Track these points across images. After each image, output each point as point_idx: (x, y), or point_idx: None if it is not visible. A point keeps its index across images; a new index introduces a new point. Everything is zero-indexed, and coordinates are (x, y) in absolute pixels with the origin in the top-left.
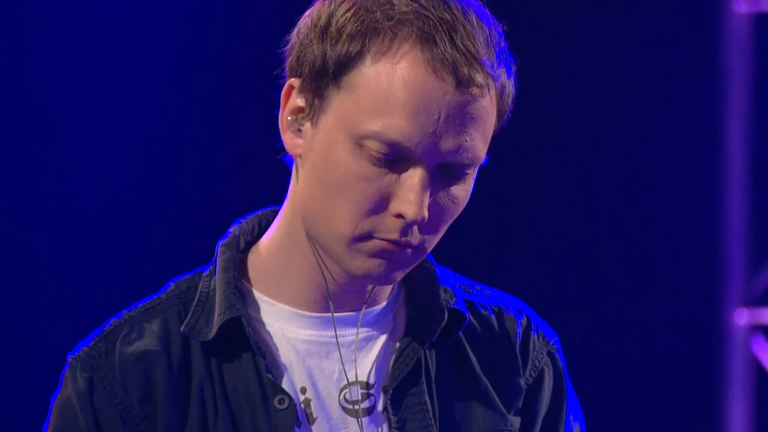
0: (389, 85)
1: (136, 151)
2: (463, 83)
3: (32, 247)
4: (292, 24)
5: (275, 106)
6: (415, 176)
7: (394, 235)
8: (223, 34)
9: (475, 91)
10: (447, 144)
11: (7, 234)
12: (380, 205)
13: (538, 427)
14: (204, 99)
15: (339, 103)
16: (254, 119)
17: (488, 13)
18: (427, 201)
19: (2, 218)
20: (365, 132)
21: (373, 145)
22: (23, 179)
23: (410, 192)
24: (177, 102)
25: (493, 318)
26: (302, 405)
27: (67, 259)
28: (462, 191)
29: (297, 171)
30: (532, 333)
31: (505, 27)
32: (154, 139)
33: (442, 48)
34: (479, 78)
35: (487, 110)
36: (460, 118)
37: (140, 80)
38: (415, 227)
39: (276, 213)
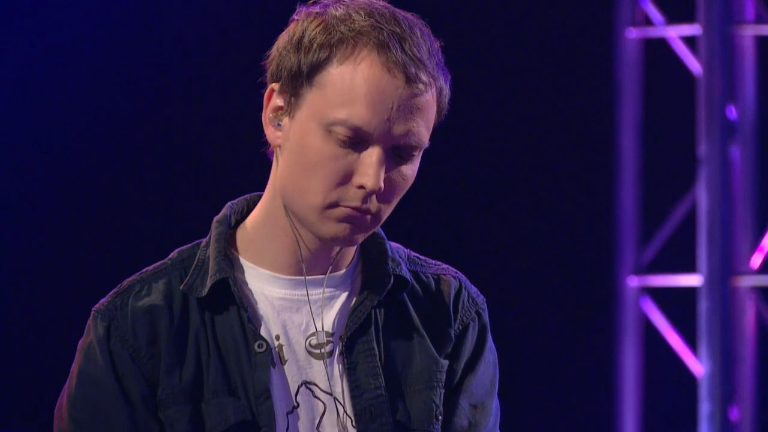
0: (352, 81)
1: (147, 147)
2: (411, 80)
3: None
4: (272, 40)
5: (258, 110)
6: (373, 155)
7: (357, 203)
8: (212, 50)
9: (420, 86)
10: (398, 129)
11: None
12: (345, 179)
13: (461, 367)
14: (201, 110)
15: (312, 99)
16: (244, 126)
17: (429, 31)
18: (382, 175)
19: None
20: (333, 120)
21: (340, 130)
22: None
23: (369, 167)
24: (179, 108)
25: (432, 283)
26: (276, 349)
27: (93, 234)
28: (409, 170)
29: (277, 159)
30: (463, 294)
31: (442, 43)
32: (159, 141)
33: (395, 52)
34: (424, 76)
35: (430, 104)
36: (409, 108)
37: (143, 85)
38: (373, 197)
39: (260, 197)
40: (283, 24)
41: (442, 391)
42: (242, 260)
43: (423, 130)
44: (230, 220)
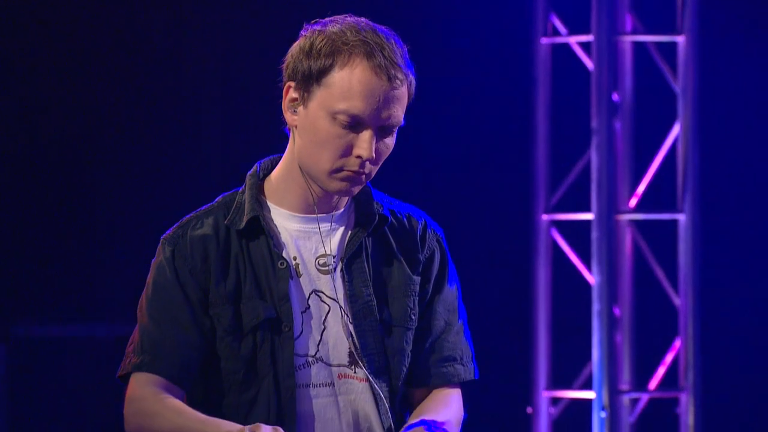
0: (350, 83)
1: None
2: (391, 79)
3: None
4: (285, 49)
5: (279, 98)
6: (366, 134)
7: (356, 168)
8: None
9: (397, 82)
10: (384, 114)
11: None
12: (347, 151)
13: (431, 284)
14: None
15: (320, 95)
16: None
17: (399, 39)
18: (374, 147)
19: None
20: (337, 110)
21: (342, 117)
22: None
23: (365, 143)
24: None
25: (405, 220)
26: (294, 267)
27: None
28: (390, 141)
29: (293, 135)
30: (428, 229)
31: (409, 47)
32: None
33: (379, 59)
34: (400, 75)
35: (404, 93)
36: (390, 99)
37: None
38: (367, 162)
39: (280, 158)
40: (288, 36)
41: (416, 298)
42: (269, 203)
43: (400, 113)
44: (260, 174)
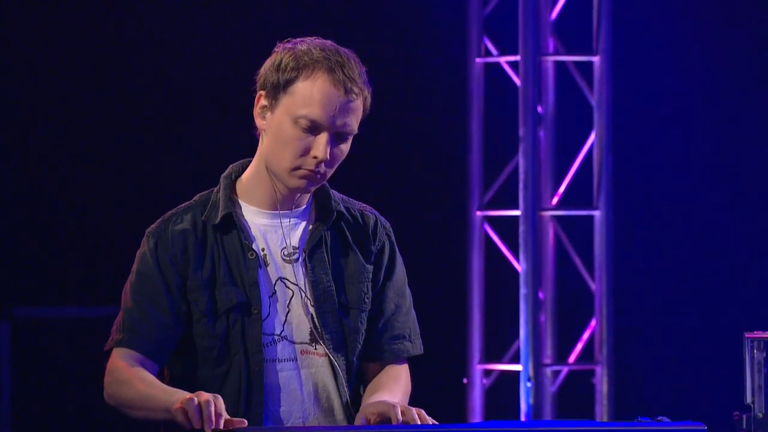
0: (311, 92)
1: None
2: (348, 92)
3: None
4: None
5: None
6: (323, 137)
7: (312, 167)
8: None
9: (353, 96)
10: (339, 122)
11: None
12: (305, 152)
13: (382, 271)
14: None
15: (285, 101)
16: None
17: (359, 60)
18: (328, 150)
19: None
20: (299, 115)
21: (302, 122)
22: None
23: (321, 145)
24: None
25: (359, 216)
26: (262, 257)
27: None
28: (345, 147)
29: (262, 138)
30: (379, 223)
31: (367, 68)
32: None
33: (338, 74)
34: (356, 90)
35: (359, 106)
36: (346, 109)
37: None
38: (322, 164)
39: (250, 161)
40: (263, 52)
41: (369, 284)
42: (240, 201)
43: (354, 122)
44: (232, 176)
